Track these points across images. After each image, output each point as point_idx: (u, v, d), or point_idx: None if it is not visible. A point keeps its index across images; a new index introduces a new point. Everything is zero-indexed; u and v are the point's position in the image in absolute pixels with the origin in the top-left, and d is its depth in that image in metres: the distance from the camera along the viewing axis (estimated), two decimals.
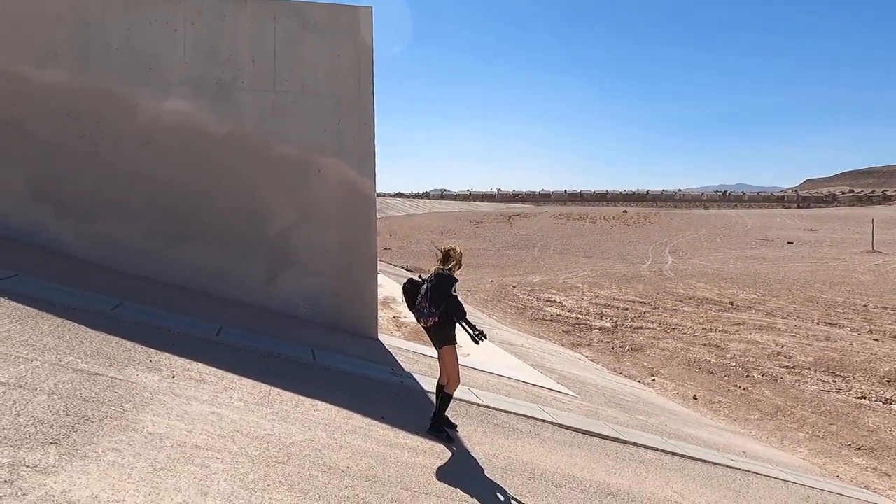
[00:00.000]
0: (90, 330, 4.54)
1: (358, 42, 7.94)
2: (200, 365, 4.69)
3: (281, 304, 7.84)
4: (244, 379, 4.76)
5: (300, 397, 4.79)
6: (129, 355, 4.33)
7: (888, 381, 12.07)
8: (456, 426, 5.22)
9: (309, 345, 6.67)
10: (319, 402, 4.83)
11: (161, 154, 7.44)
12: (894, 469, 8.74)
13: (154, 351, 4.60)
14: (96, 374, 3.76)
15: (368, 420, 4.81)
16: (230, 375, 4.72)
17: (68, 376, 3.57)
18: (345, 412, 4.81)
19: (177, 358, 4.65)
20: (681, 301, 20.60)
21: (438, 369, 5.10)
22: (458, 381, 4.98)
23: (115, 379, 3.80)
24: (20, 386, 3.23)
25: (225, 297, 7.60)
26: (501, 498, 4.19)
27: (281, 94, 7.74)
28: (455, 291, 4.89)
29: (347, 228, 8.01)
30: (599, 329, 16.66)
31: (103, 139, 7.30)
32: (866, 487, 8.03)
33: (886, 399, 11.22)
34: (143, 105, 7.37)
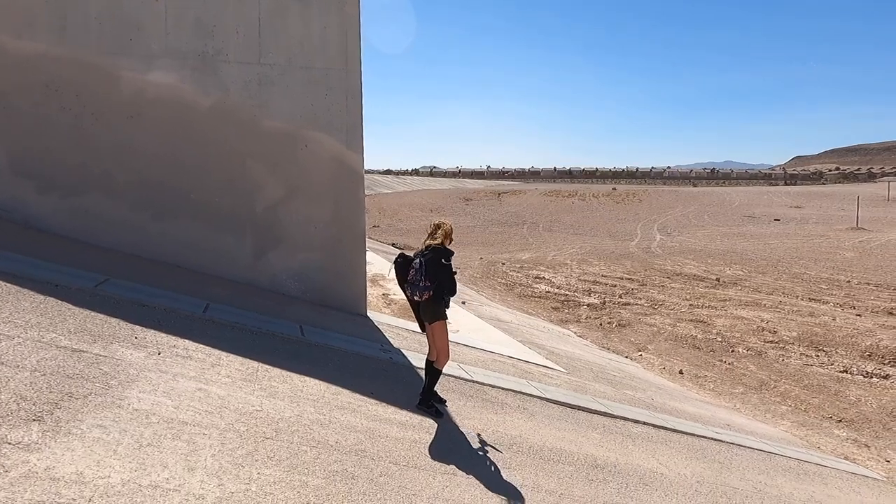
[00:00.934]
0: (73, 307, 4.47)
1: (344, 14, 7.76)
2: (187, 341, 4.65)
3: (269, 280, 7.78)
4: (232, 355, 4.73)
5: (288, 373, 4.78)
6: (114, 332, 4.28)
7: (869, 356, 12.30)
8: (445, 401, 5.25)
9: (297, 321, 6.64)
10: (308, 378, 4.82)
11: (145, 128, 7.27)
12: (873, 440, 8.95)
13: (139, 328, 4.55)
14: (80, 350, 3.71)
15: (357, 396, 4.81)
16: (217, 352, 4.69)
17: (51, 353, 3.52)
18: (334, 388, 4.81)
19: (163, 334, 4.60)
20: (668, 278, 20.77)
21: (427, 346, 5.10)
22: (447, 357, 4.98)
23: (100, 356, 3.76)
24: (1, 363, 3.18)
25: (212, 273, 7.52)
26: (490, 471, 4.23)
27: (266, 67, 7.57)
28: (450, 263, 4.83)
29: (336, 204, 7.93)
30: (588, 305, 16.77)
31: (84, 112, 7.12)
32: (846, 458, 8.22)
33: (867, 373, 11.44)
34: (125, 77, 7.18)
